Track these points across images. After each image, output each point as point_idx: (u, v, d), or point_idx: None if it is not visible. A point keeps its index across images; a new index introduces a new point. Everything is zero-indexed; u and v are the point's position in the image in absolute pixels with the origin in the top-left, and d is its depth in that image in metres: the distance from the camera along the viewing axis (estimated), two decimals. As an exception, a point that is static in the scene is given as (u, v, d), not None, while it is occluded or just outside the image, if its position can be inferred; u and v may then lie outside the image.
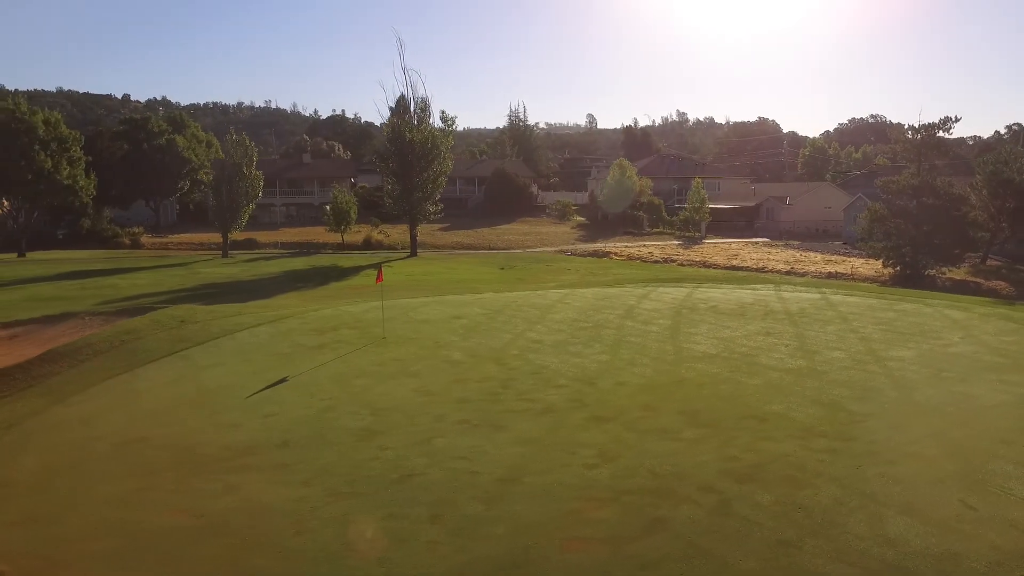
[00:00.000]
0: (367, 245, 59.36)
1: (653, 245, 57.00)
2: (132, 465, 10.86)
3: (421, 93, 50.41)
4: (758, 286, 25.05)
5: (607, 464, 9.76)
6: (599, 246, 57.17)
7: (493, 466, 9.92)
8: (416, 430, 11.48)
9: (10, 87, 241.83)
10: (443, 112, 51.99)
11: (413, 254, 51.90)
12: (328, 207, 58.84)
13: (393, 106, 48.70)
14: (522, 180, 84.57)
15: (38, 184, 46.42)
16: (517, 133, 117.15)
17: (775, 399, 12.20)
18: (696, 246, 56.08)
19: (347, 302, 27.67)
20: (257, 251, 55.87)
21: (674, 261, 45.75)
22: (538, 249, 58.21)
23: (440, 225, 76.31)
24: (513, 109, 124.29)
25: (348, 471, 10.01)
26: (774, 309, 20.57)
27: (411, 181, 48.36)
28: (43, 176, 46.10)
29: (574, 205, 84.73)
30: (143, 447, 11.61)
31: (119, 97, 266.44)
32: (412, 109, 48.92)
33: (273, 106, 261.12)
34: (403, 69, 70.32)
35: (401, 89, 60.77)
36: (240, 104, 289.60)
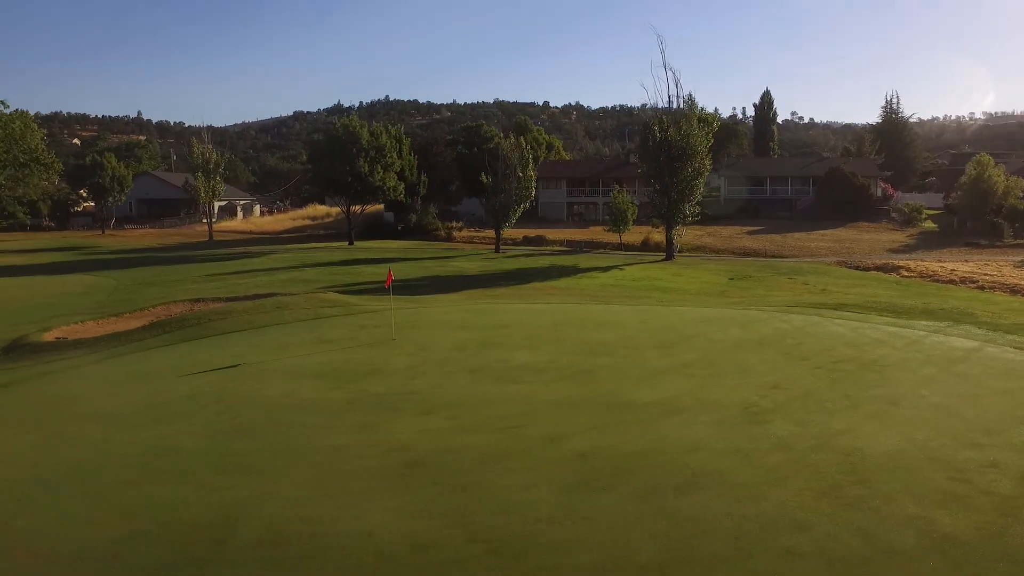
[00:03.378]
0: (644, 246, 58.13)
1: (979, 261, 44.70)
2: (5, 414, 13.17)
3: (683, 92, 47.60)
4: (922, 322, 18.24)
5: (232, 494, 8.63)
6: (899, 259, 47.00)
7: (162, 465, 9.68)
8: (195, 425, 11.51)
9: (460, 101, 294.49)
10: (702, 110, 48.00)
11: (669, 257, 49.24)
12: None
13: (650, 104, 46.94)
14: (862, 180, 73.67)
15: (356, 185, 56.09)
16: (888, 127, 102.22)
17: (540, 471, 9.21)
18: (1045, 266, 42.41)
19: (489, 301, 27.89)
20: (534, 247, 58.85)
21: (975, 283, 35.32)
22: (829, 259, 50.26)
23: (750, 227, 70.94)
24: (888, 99, 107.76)
25: (64, 453, 10.64)
26: (867, 356, 14.91)
27: (666, 182, 45.92)
28: (360, 179, 55.56)
29: (928, 209, 71.29)
30: (46, 401, 13.88)
31: (540, 104, 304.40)
32: (672, 108, 46.37)
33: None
34: (664, 68, 67.52)
35: (662, 88, 58.23)
36: (644, 106, 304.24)
